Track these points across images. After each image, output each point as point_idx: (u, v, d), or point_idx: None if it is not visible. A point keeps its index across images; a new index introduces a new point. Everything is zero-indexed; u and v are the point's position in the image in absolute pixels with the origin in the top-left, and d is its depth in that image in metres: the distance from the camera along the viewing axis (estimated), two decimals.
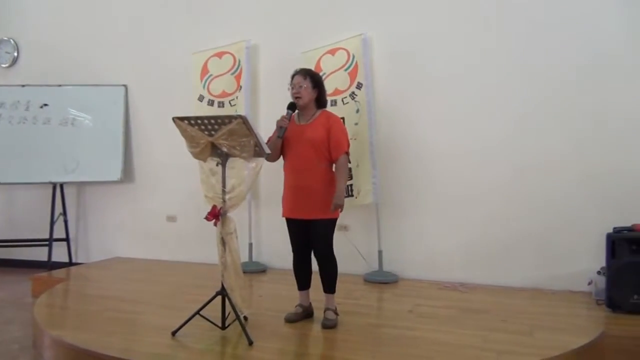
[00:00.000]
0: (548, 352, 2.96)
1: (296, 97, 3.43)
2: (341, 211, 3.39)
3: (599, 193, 4.22)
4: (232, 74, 5.27)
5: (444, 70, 4.67)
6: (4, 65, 6.36)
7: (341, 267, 3.51)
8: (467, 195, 4.60)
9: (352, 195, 4.71)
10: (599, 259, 3.96)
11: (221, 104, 5.32)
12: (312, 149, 3.37)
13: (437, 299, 4.13)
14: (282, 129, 3.36)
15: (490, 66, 4.54)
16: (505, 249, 4.48)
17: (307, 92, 3.43)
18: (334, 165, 3.45)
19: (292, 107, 3.43)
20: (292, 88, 3.46)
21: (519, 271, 4.44)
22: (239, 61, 5.23)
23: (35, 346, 3.59)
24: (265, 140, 3.33)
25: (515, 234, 4.45)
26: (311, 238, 3.43)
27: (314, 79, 3.49)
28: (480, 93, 4.56)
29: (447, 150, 4.66)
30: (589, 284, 4.09)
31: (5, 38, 6.36)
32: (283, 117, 3.38)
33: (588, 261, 4.15)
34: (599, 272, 3.97)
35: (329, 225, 3.41)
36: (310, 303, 3.60)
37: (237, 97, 5.23)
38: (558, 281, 4.31)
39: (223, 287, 3.26)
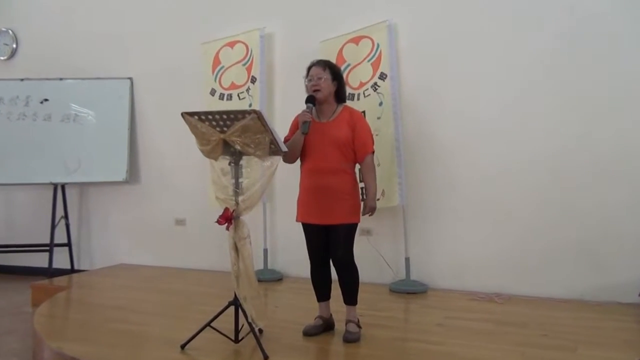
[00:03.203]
0: None
1: (315, 90, 3.40)
2: (371, 215, 3.40)
3: None
4: (244, 64, 5.28)
5: (476, 61, 4.61)
6: (2, 58, 6.48)
7: (364, 276, 3.50)
8: (501, 198, 4.54)
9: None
10: None
11: (229, 97, 5.33)
12: (337, 149, 3.35)
13: (470, 311, 4.09)
14: (305, 123, 3.31)
15: (526, 60, 4.46)
16: (544, 257, 4.41)
17: (327, 85, 3.41)
18: (355, 166, 3.45)
19: (311, 100, 3.40)
20: (310, 80, 3.44)
21: (560, 281, 4.37)
22: (251, 51, 5.23)
23: (34, 358, 3.62)
24: (282, 140, 3.32)
25: (555, 241, 4.38)
26: (330, 244, 3.40)
27: (333, 70, 3.48)
28: (516, 89, 4.49)
29: (479, 149, 4.61)
30: None
31: (4, 29, 6.47)
32: (304, 112, 3.35)
33: (638, 271, 4.08)
34: None
35: (351, 230, 3.39)
36: (331, 315, 3.58)
37: (247, 90, 5.23)
38: (604, 292, 4.23)
39: (236, 297, 3.26)
